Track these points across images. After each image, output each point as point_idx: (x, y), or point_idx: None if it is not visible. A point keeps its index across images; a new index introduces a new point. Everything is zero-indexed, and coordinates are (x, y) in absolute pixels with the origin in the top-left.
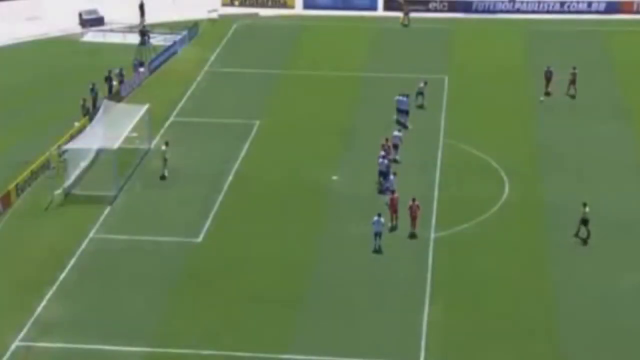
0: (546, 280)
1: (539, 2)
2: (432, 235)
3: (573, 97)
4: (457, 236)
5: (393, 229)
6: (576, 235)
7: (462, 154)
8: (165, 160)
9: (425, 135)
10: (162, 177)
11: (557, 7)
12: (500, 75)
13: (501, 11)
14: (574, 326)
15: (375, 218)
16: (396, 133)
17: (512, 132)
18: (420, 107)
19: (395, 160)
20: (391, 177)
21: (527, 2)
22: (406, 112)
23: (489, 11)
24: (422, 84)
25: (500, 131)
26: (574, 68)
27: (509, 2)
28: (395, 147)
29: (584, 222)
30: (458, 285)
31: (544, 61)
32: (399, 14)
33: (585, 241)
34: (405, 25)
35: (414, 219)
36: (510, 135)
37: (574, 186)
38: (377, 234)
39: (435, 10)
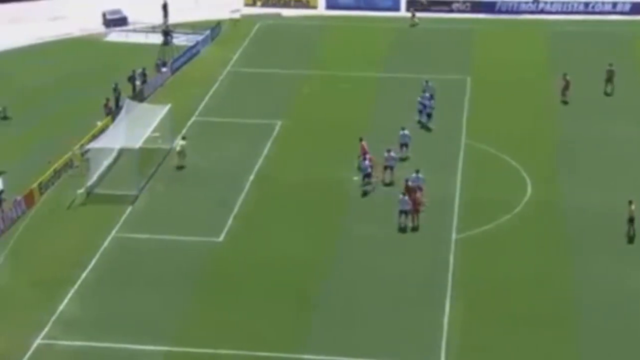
0: (568, 282)
1: (563, 3)
2: (454, 236)
3: (609, 94)
4: (478, 237)
5: (414, 229)
6: (628, 234)
7: (484, 155)
8: (182, 154)
9: (447, 135)
10: (180, 167)
11: (581, 7)
12: (523, 76)
13: (525, 12)
14: (596, 328)
15: (401, 196)
16: (404, 132)
17: (535, 133)
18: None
19: (404, 159)
20: (414, 175)
21: (551, 3)
22: (426, 113)
23: (512, 12)
24: (424, 83)
25: (523, 132)
26: (611, 65)
27: (533, 2)
28: (405, 145)
29: (631, 220)
30: (479, 286)
31: (567, 62)
32: (417, 14)
33: (631, 239)
34: (413, 26)
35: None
36: (533, 136)
37: (596, 187)
38: (403, 212)
39: (458, 10)
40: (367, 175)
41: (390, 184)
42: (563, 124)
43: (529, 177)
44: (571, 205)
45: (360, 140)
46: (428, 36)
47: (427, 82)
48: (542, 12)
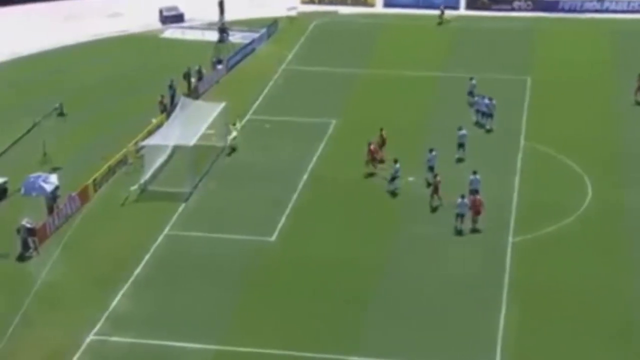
0: (628, 287)
1: (629, 2)
2: (511, 239)
3: None
4: (536, 240)
5: (474, 231)
6: None
7: (543, 157)
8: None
9: (505, 137)
10: (233, 149)
11: None
12: (586, 77)
13: (588, 10)
14: None
15: (459, 200)
16: (461, 131)
17: (596, 135)
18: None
19: (461, 159)
20: (471, 176)
21: (616, 2)
22: (486, 114)
23: (575, 10)
24: (470, 81)
25: (584, 134)
26: None
27: (597, 1)
28: (462, 145)
29: None
30: (536, 289)
31: (633, 63)
32: (445, 13)
33: None
34: (440, 24)
35: (436, 190)
36: (594, 138)
37: None
38: (460, 215)
39: (520, 9)
40: (393, 179)
41: (431, 185)
42: (626, 127)
43: (590, 180)
44: (633, 208)
45: (381, 130)
46: (488, 35)
47: (471, 79)
48: (606, 10)
